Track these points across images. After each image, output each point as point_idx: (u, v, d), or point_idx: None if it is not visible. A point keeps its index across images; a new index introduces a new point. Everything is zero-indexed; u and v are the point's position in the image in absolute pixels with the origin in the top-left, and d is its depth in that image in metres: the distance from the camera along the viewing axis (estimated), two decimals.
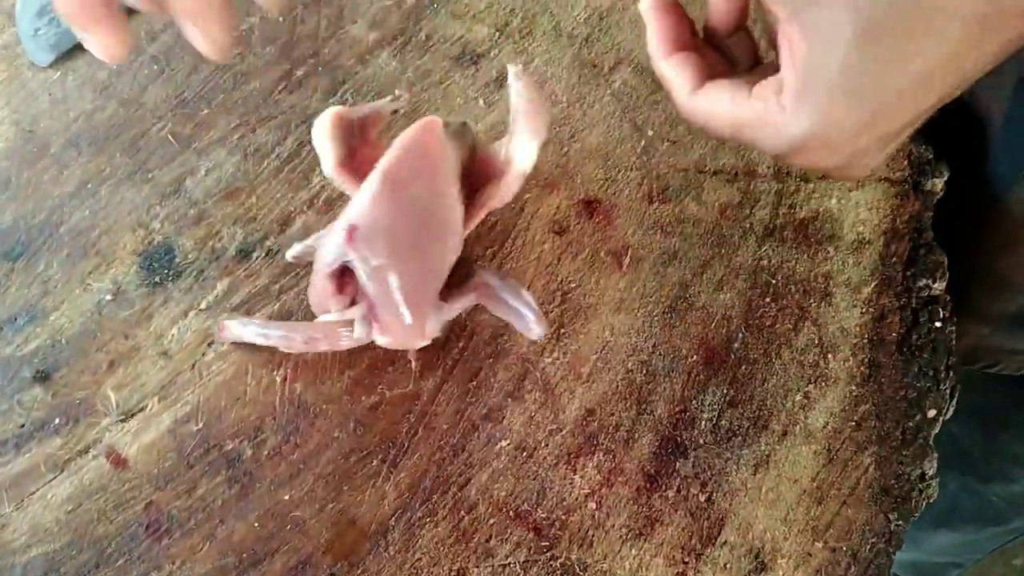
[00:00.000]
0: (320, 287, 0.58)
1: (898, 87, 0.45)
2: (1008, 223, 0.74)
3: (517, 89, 0.59)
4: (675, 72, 0.53)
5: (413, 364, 0.63)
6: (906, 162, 0.70)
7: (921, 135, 0.71)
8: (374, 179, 0.56)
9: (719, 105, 0.51)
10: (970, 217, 0.74)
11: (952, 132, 0.74)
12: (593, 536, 0.61)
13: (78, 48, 0.71)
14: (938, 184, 0.70)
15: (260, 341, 0.60)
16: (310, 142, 0.68)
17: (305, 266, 0.64)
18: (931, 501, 0.64)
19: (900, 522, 0.62)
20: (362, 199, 0.56)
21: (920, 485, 0.64)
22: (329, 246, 0.57)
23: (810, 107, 0.46)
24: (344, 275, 0.57)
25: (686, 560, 0.60)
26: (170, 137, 0.69)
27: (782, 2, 0.47)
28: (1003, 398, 0.97)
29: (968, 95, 0.72)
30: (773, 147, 0.49)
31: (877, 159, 0.50)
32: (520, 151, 0.58)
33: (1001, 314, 0.81)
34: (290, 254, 0.64)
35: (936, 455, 0.65)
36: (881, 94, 0.45)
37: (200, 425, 0.61)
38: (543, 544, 0.61)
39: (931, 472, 0.64)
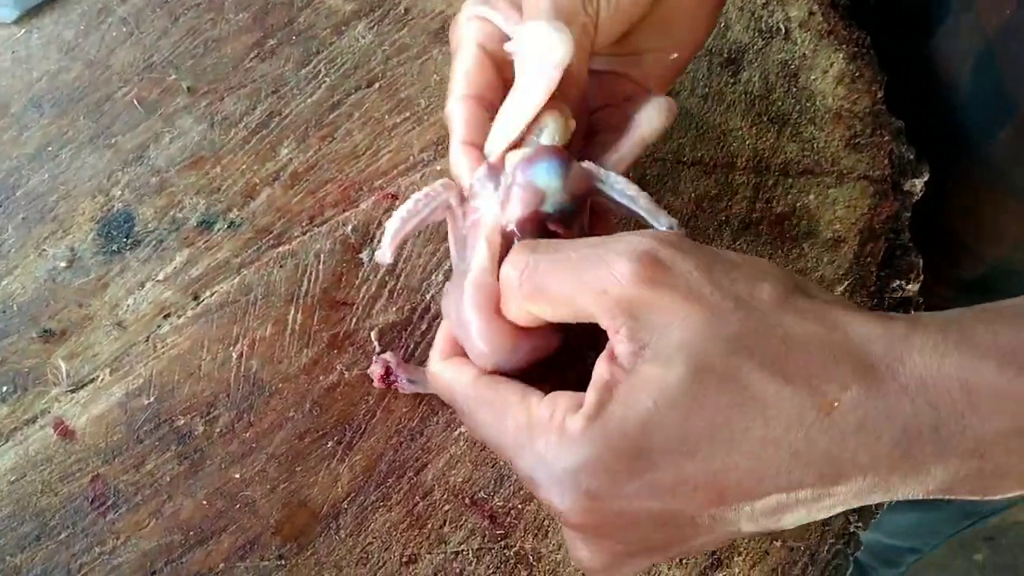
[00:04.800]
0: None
1: (694, 485, 0.41)
2: (968, 191, 0.73)
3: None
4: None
5: (375, 343, 0.62)
6: (887, 161, 0.69)
7: (903, 134, 0.70)
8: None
9: (499, 387, 0.47)
10: (932, 181, 0.72)
11: (915, 99, 0.73)
12: (548, 526, 0.60)
13: (45, 5, 0.69)
14: (917, 185, 0.69)
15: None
16: (280, 113, 0.67)
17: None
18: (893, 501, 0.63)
19: (859, 524, 0.61)
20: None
21: None
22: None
23: (600, 440, 0.41)
24: None
25: None
26: (135, 102, 0.67)
27: (629, 338, 0.42)
28: None
29: (930, 63, 0.72)
30: (531, 463, 0.43)
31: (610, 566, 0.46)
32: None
33: (963, 280, 0.81)
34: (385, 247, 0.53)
35: None
36: (672, 478, 0.40)
37: (152, 399, 0.60)
38: (498, 532, 0.59)
39: None
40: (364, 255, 0.64)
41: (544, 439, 0.42)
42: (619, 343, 0.42)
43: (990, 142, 0.70)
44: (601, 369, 0.42)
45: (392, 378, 0.60)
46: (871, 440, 0.39)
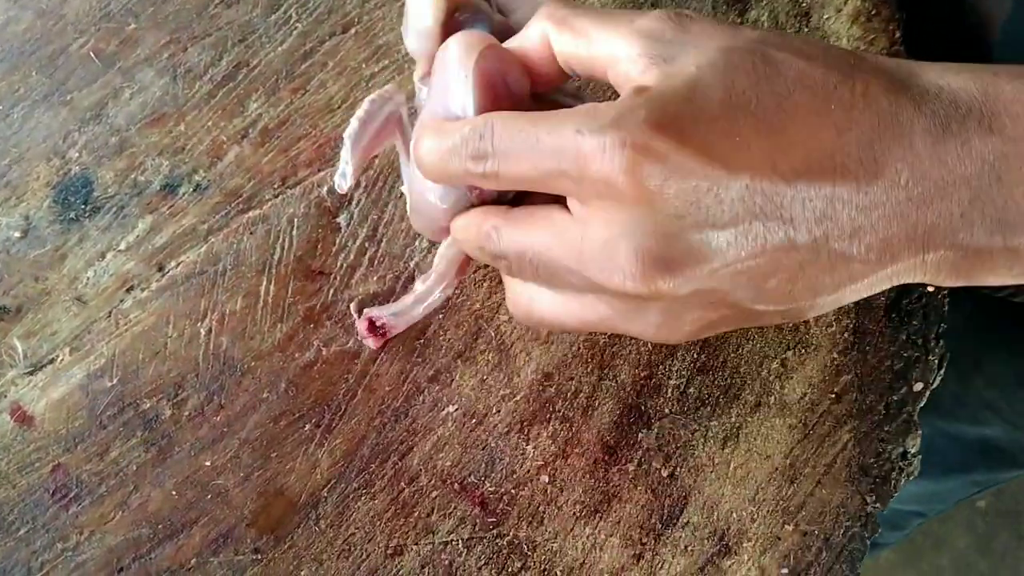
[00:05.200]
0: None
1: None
2: None
3: None
4: None
5: (354, 316, 0.57)
6: None
7: None
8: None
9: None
10: None
11: (938, 39, 0.69)
12: (544, 512, 0.56)
13: None
14: None
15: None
16: (247, 64, 0.62)
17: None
18: (912, 478, 0.59)
19: (878, 504, 0.58)
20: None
21: (901, 463, 0.59)
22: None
23: (655, 94, 0.40)
24: None
25: (644, 541, 0.56)
26: (92, 55, 0.62)
27: (648, 54, 0.42)
28: (976, 342, 0.92)
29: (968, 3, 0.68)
30: (579, 121, 0.41)
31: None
32: None
33: None
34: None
35: (920, 432, 0.60)
36: (726, 131, 0.40)
37: (115, 381, 0.56)
38: (489, 520, 0.56)
39: (914, 450, 0.59)
40: (342, 219, 0.59)
41: (592, 107, 0.41)
42: (631, 63, 0.42)
43: None
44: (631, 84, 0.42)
45: (380, 323, 0.56)
46: (903, 131, 0.39)
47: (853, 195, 0.39)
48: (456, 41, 0.48)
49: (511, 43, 0.48)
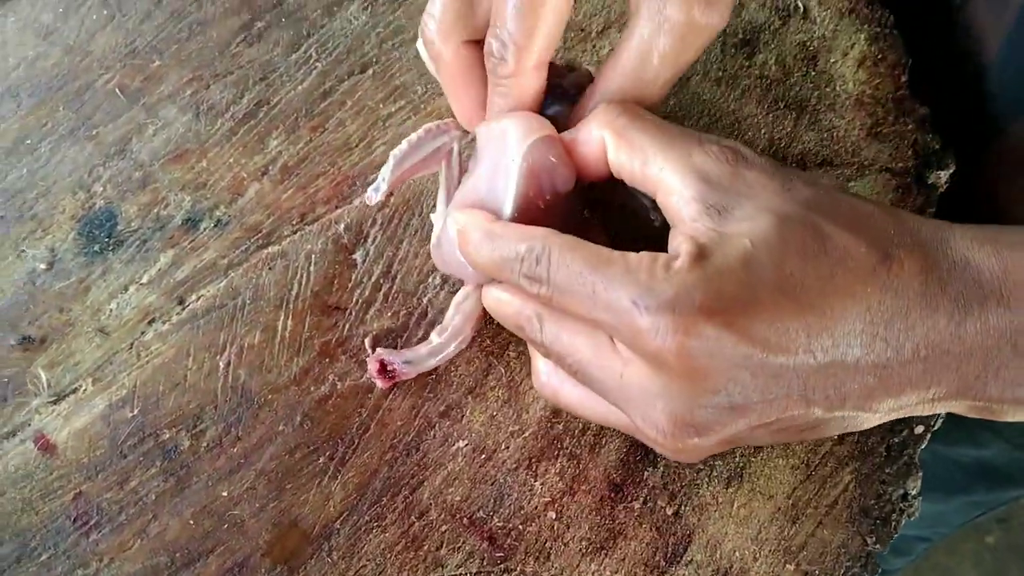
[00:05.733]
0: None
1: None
2: (1010, 152, 0.70)
3: None
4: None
5: (368, 350, 0.59)
6: (910, 151, 0.65)
7: (927, 122, 0.66)
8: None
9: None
10: (975, 136, 0.70)
11: (940, 81, 0.70)
12: (551, 548, 0.57)
13: None
14: (942, 176, 0.65)
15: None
16: (268, 102, 0.63)
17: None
18: (913, 519, 0.61)
19: (878, 545, 0.59)
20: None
21: (902, 505, 0.60)
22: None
23: (709, 270, 0.43)
24: None
25: None
26: (117, 91, 0.64)
27: (699, 199, 0.45)
28: None
29: (957, 40, 0.71)
30: (636, 291, 0.43)
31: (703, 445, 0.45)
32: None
33: None
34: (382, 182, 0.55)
35: (921, 474, 0.61)
36: (771, 315, 0.42)
37: (136, 411, 0.57)
38: (497, 555, 0.57)
39: (914, 491, 0.60)
40: (358, 255, 0.61)
41: (649, 272, 0.42)
42: (685, 205, 0.45)
43: (1019, 120, 0.67)
44: (681, 233, 0.45)
45: (391, 367, 0.57)
46: (929, 312, 0.43)
47: (873, 372, 0.42)
48: (515, 124, 0.50)
49: (568, 135, 0.50)
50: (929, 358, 0.43)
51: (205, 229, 0.61)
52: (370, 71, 0.65)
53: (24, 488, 0.56)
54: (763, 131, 0.65)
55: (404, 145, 0.54)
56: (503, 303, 0.50)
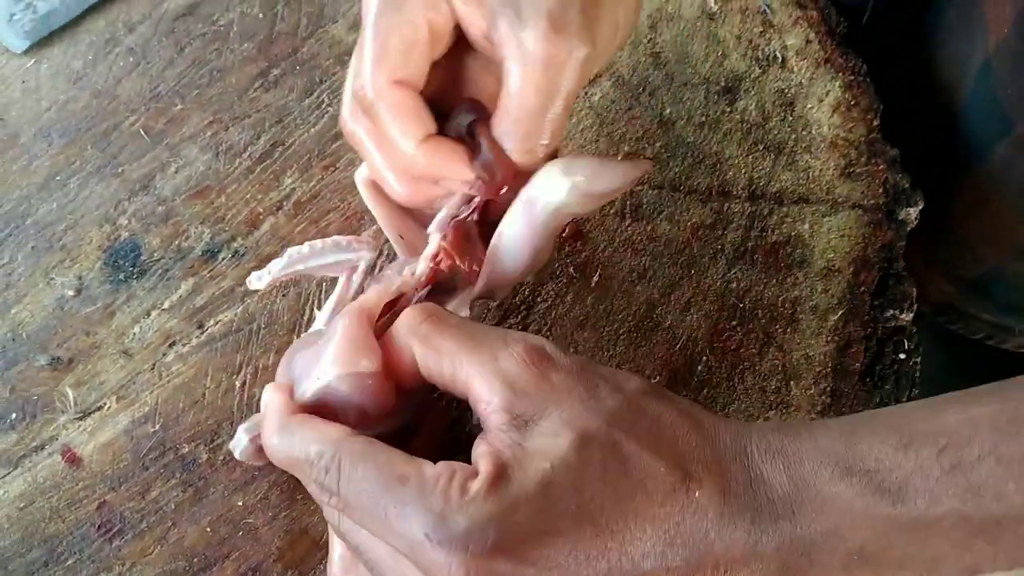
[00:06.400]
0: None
1: None
2: (975, 190, 0.74)
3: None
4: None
5: None
6: (881, 190, 0.70)
7: (897, 162, 0.71)
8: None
9: (379, 444, 0.44)
10: (944, 175, 0.74)
11: (911, 120, 0.74)
12: None
13: (54, 36, 0.71)
14: (912, 213, 0.70)
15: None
16: (283, 143, 0.68)
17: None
18: None
19: None
20: None
21: None
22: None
23: (505, 498, 0.41)
24: None
25: None
26: (142, 132, 0.69)
27: (504, 408, 0.44)
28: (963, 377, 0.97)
29: (927, 83, 0.74)
30: (426, 521, 0.40)
31: None
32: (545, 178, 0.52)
33: (963, 277, 0.82)
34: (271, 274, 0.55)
35: None
36: (570, 544, 0.41)
37: (157, 427, 0.61)
38: None
39: None
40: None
41: (443, 497, 0.40)
42: (492, 414, 0.44)
43: (989, 156, 0.72)
44: (485, 444, 0.43)
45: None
46: (728, 531, 0.42)
47: None
48: (335, 344, 0.48)
49: (384, 337, 0.49)
50: (730, 571, 0.43)
51: (223, 259, 0.66)
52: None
53: (52, 497, 0.60)
54: (743, 171, 0.70)
55: (305, 248, 0.54)
56: (302, 476, 0.47)
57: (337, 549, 0.50)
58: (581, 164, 0.52)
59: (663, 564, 0.42)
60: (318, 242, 0.55)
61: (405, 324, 0.48)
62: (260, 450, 0.51)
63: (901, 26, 0.76)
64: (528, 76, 0.49)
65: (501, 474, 0.41)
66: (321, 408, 0.48)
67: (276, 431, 0.47)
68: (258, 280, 0.54)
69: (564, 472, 0.41)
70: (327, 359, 0.48)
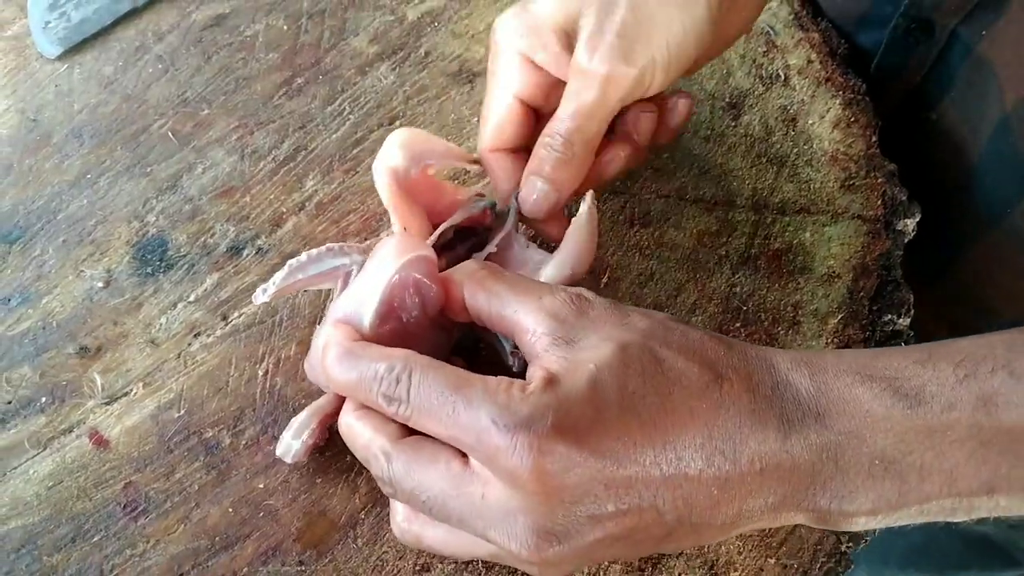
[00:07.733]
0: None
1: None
2: (995, 248, 0.77)
3: (579, 218, 0.60)
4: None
5: None
6: (880, 202, 0.73)
7: (895, 176, 0.74)
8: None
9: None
10: (956, 238, 0.77)
11: (932, 163, 0.77)
12: None
13: (86, 43, 0.74)
14: (909, 224, 0.73)
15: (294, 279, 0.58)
16: (306, 147, 0.71)
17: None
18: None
19: (850, 544, 0.64)
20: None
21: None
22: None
23: (559, 391, 0.46)
24: None
25: (643, 568, 0.62)
26: (170, 134, 0.72)
27: (551, 334, 0.49)
28: None
29: (937, 133, 0.77)
30: (493, 412, 0.45)
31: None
32: (552, 270, 0.60)
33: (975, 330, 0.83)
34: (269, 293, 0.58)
35: None
36: (617, 432, 0.46)
37: (182, 412, 0.63)
38: None
39: None
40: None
41: (507, 393, 0.45)
42: (538, 340, 0.49)
43: (1010, 214, 0.74)
44: (535, 367, 0.49)
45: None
46: (760, 427, 0.47)
47: (715, 483, 0.47)
48: (393, 241, 0.55)
49: (445, 273, 0.55)
50: (764, 470, 0.46)
51: (247, 256, 0.68)
52: (397, 123, 0.73)
53: (79, 477, 0.62)
54: (747, 183, 0.73)
55: (303, 257, 0.57)
56: (351, 432, 0.52)
57: (395, 504, 0.54)
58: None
59: (703, 456, 0.46)
60: (313, 251, 0.58)
61: (465, 269, 0.55)
62: (310, 448, 0.60)
63: (908, 82, 0.79)
64: (568, 88, 0.59)
65: (553, 379, 0.46)
66: (379, 336, 0.54)
67: (340, 357, 0.51)
68: (263, 294, 0.57)
69: (608, 372, 0.46)
70: (389, 253, 0.54)
